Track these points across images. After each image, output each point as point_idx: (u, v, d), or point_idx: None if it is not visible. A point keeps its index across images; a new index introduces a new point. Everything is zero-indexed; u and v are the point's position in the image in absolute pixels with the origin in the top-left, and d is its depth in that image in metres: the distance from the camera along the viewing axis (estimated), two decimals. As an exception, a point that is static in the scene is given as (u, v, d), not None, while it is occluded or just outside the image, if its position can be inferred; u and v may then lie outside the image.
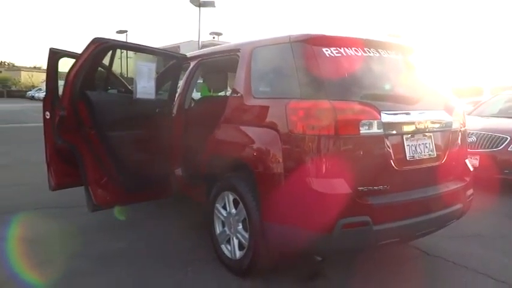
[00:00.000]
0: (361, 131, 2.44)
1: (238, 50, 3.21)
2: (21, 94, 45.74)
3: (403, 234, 2.61)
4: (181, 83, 3.98)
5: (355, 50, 2.73)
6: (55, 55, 3.62)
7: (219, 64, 3.71)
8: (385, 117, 2.53)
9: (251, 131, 2.81)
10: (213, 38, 30.96)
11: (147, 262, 3.15)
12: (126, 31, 32.26)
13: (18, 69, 56.39)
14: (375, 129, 2.49)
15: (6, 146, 8.98)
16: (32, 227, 3.87)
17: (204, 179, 3.33)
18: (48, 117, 3.61)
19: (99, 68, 3.59)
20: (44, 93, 3.70)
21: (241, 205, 2.83)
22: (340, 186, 2.38)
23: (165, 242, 3.55)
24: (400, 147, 2.60)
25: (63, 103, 3.08)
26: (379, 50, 2.83)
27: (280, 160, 2.52)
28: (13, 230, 3.76)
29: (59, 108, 3.11)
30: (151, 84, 3.48)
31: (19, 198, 4.78)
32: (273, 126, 2.60)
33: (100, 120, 3.21)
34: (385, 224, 2.44)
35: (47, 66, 3.64)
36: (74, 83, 3.04)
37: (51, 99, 3.55)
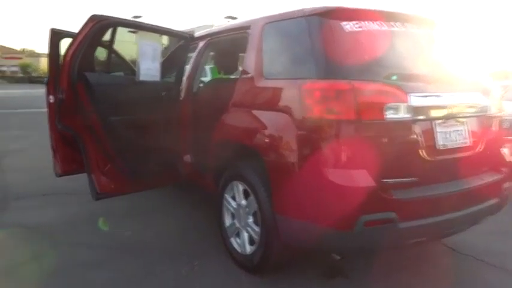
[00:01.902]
0: (386, 116, 2.11)
1: (248, 27, 2.88)
2: (41, 80, 46.09)
3: (432, 232, 2.28)
4: (189, 65, 3.69)
5: (378, 24, 2.37)
6: (56, 36, 3.34)
7: (229, 43, 3.40)
8: (414, 100, 2.18)
9: (262, 116, 2.51)
10: (228, 22, 30.41)
11: (153, 254, 2.92)
12: (140, 16, 31.86)
13: (38, 55, 56.76)
14: (401, 114, 2.15)
15: (24, 131, 8.87)
16: (37, 214, 3.69)
17: (212, 167, 3.06)
18: (52, 101, 3.35)
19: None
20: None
21: (251, 196, 2.55)
22: (362, 178, 2.06)
23: (172, 232, 3.31)
24: (430, 135, 2.25)
25: (61, 85, 2.82)
26: (406, 24, 2.46)
27: (294, 148, 2.21)
28: (18, 217, 3.59)
29: (58, 91, 2.83)
30: (156, 65, 3.18)
31: (29, 183, 4.62)
32: (286, 110, 2.29)
33: (101, 104, 2.94)
34: (413, 221, 2.12)
35: (49, 48, 3.36)
36: (71, 64, 2.77)
37: (54, 83, 3.28)
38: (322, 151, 2.11)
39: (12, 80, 40.51)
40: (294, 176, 2.22)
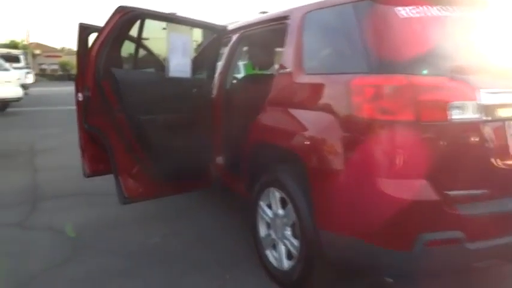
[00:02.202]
0: (450, 116, 1.79)
1: (286, 17, 2.62)
2: (79, 78, 47.43)
3: (507, 253, 1.93)
4: (222, 60, 3.47)
5: (438, 8, 2.03)
6: (85, 31, 3.22)
7: (265, 36, 3.14)
8: (485, 98, 1.84)
9: (303, 115, 2.25)
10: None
11: (181, 264, 2.73)
12: (175, 13, 32.28)
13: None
14: (469, 114, 1.82)
15: (60, 128, 8.94)
16: (65, 216, 3.58)
17: (247, 171, 2.84)
18: (80, 99, 3.22)
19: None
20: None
21: (289, 206, 2.29)
22: (421, 190, 1.76)
23: (202, 241, 3.09)
24: (502, 138, 1.91)
25: (87, 83, 2.68)
26: (470, 9, 2.11)
27: (340, 153, 1.93)
28: (46, 219, 3.50)
29: (83, 89, 2.68)
30: (187, 60, 2.98)
31: (59, 183, 4.55)
32: (330, 110, 2.01)
33: (129, 102, 2.77)
34: (484, 242, 1.79)
35: (77, 43, 3.25)
36: (97, 60, 2.61)
37: (82, 80, 3.15)
38: (373, 157, 1.82)
39: (52, 77, 41.97)
40: (339, 185, 1.94)
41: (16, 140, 7.30)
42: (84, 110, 2.72)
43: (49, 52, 49.92)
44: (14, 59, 15.17)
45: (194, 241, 3.08)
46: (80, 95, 3.08)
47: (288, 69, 2.46)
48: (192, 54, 3.04)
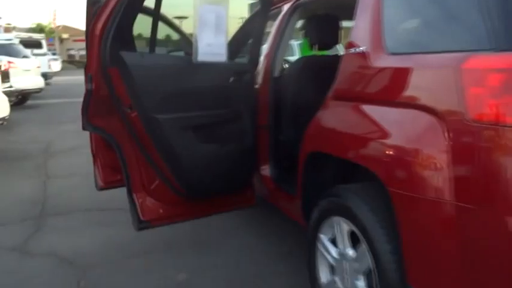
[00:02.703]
0: None
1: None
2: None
3: None
4: (268, 39, 3.19)
5: None
6: (94, 6, 2.95)
7: (327, 4, 2.85)
8: None
9: (383, 115, 1.86)
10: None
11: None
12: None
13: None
14: None
15: (80, 124, 9.08)
16: (75, 238, 3.44)
17: (302, 189, 2.49)
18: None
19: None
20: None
21: (363, 246, 1.89)
22: None
23: (242, 278, 2.79)
24: None
25: (89, 70, 2.42)
26: None
27: (446, 171, 1.49)
28: (51, 241, 3.37)
29: (86, 80, 2.44)
30: (221, 40, 2.62)
31: (72, 194, 4.46)
32: (428, 106, 1.59)
33: (144, 97, 2.49)
34: None
35: (86, 22, 3.01)
36: (101, 40, 2.34)
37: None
38: (505, 181, 1.37)
39: (81, 64, 43.62)
40: (447, 220, 1.51)
41: (31, 138, 7.41)
42: (86, 106, 2.47)
43: (78, 36, 52.09)
44: (35, 44, 15.73)
45: (233, 280, 2.77)
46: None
47: (360, 48, 2.06)
48: (227, 31, 2.69)
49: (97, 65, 2.39)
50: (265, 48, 3.18)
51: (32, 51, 13.48)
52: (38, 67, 12.10)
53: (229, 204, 3.04)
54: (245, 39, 3.25)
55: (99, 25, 2.35)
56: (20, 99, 11.28)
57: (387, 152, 1.76)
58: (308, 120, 2.36)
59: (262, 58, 3.15)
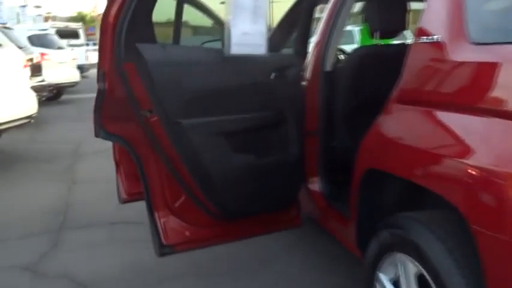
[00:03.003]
0: None
1: None
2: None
3: None
4: (319, 25, 3.00)
5: None
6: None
7: None
8: None
9: (466, 125, 1.60)
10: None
11: None
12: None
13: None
14: None
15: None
16: (95, 256, 3.38)
17: (357, 212, 2.29)
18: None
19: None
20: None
21: (435, 293, 1.64)
22: None
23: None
24: None
25: (102, 67, 2.32)
26: None
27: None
28: (68, 261, 3.32)
29: (98, 77, 2.35)
30: (260, 28, 2.41)
31: (97, 203, 4.45)
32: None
33: (167, 98, 2.33)
34: None
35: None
36: (116, 29, 2.23)
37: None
38: None
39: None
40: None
41: (61, 138, 7.59)
42: (98, 109, 2.38)
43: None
44: (72, 34, 16.18)
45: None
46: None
47: (434, 37, 1.81)
48: (268, 18, 2.50)
49: (110, 60, 2.28)
50: (315, 36, 3.02)
51: (68, 41, 13.88)
52: (74, 59, 12.43)
53: (269, 225, 2.89)
54: (291, 26, 3.11)
55: (113, 11, 2.23)
56: (54, 93, 11.61)
57: (471, 177, 1.47)
58: (367, 125, 2.15)
59: (311, 48, 3.03)
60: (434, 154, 1.67)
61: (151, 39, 2.50)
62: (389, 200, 2.14)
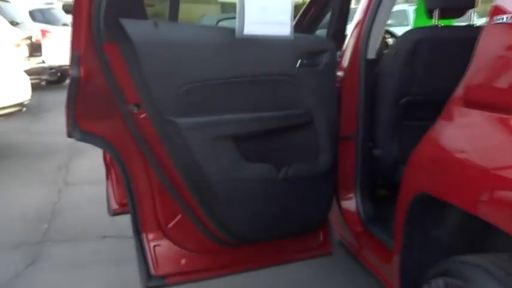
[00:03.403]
0: None
1: None
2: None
3: None
4: (360, 1, 2.93)
5: None
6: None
7: None
8: None
9: None
10: None
11: None
12: None
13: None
14: None
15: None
16: (79, 278, 3.32)
17: (402, 246, 2.17)
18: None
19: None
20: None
21: None
22: None
23: None
24: None
25: (75, 48, 2.19)
26: None
27: None
28: (43, 284, 3.29)
29: (71, 62, 2.21)
30: (286, 4, 2.29)
31: (87, 210, 4.45)
32: None
33: (158, 89, 2.21)
34: None
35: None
36: (94, 2, 2.09)
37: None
38: None
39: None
40: None
41: (58, 128, 7.50)
42: (71, 101, 2.25)
43: (138, 0, 56.51)
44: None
45: None
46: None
47: None
48: None
49: (87, 40, 2.13)
50: (355, 15, 2.95)
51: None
52: (77, 37, 12.50)
53: (291, 252, 2.84)
54: (325, 2, 2.98)
55: None
56: (57, 77, 11.70)
57: None
58: (422, 130, 2.02)
59: (350, 31, 2.97)
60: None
61: (141, 13, 2.35)
62: (447, 234, 2.02)
